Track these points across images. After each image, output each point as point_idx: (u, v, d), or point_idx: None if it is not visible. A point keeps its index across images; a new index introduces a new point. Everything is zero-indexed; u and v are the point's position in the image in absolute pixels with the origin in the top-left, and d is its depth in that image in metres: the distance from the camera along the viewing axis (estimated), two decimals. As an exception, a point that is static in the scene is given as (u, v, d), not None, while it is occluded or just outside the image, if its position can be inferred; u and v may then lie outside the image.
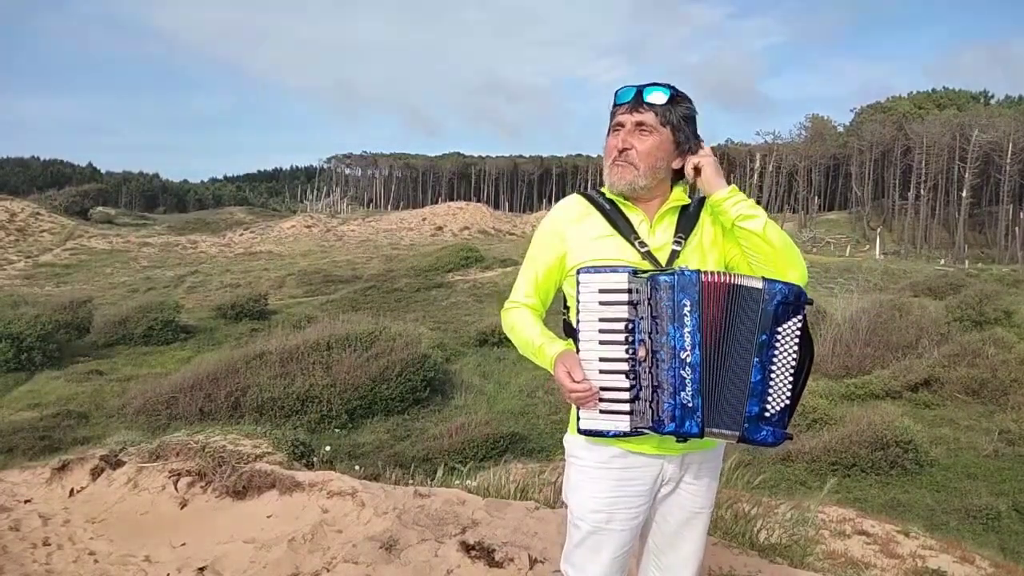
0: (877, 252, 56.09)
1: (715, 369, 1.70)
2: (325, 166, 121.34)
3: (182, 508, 4.10)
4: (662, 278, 1.69)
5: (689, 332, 1.68)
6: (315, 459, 5.07)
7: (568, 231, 1.89)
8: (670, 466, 1.87)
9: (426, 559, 3.12)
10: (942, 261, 51.50)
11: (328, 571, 3.15)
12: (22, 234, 47.32)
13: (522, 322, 1.94)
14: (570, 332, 1.84)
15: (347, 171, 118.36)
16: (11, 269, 40.06)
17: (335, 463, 5.13)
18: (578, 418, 1.80)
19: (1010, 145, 59.10)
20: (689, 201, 1.91)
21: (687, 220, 1.88)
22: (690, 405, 1.69)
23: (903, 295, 24.60)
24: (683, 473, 1.89)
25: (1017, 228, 59.76)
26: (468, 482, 4.29)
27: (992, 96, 78.97)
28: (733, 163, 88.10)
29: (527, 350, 1.93)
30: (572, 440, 1.92)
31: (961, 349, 16.17)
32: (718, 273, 1.72)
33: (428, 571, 3.05)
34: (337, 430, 13.87)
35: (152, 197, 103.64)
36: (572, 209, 1.92)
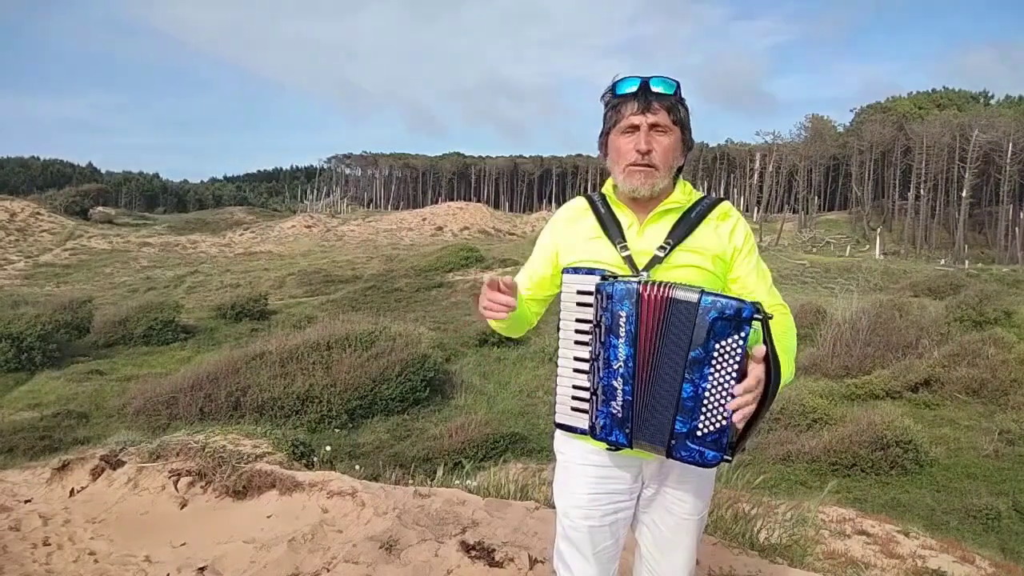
0: (877, 252, 56.07)
1: (647, 382, 1.67)
2: (325, 166, 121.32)
3: (182, 508, 4.10)
4: (606, 287, 1.68)
5: (624, 343, 1.66)
6: (315, 459, 5.07)
7: (563, 231, 1.93)
8: (648, 468, 1.88)
9: (426, 559, 3.12)
10: (942, 261, 51.50)
11: (328, 571, 3.14)
12: (22, 234, 47.32)
13: None
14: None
15: (347, 171, 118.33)
16: (11, 269, 40.06)
17: (335, 463, 5.13)
18: (555, 412, 1.85)
19: (1010, 145, 59.07)
20: (690, 203, 1.85)
21: (685, 226, 1.81)
22: (619, 416, 1.69)
23: (903, 295, 24.60)
24: (665, 477, 1.89)
25: (1017, 228, 59.75)
26: (468, 482, 4.29)
27: (992, 96, 78.95)
28: (733, 163, 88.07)
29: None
30: (558, 436, 1.96)
31: (961, 349, 16.16)
32: (662, 285, 1.65)
33: (428, 571, 3.05)
34: (337, 430, 13.86)
35: (152, 197, 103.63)
36: (571, 210, 1.97)
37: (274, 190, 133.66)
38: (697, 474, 1.90)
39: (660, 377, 1.66)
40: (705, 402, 1.63)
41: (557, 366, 1.84)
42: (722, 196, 2.11)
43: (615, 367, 1.68)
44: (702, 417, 1.64)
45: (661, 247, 1.79)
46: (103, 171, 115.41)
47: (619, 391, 1.68)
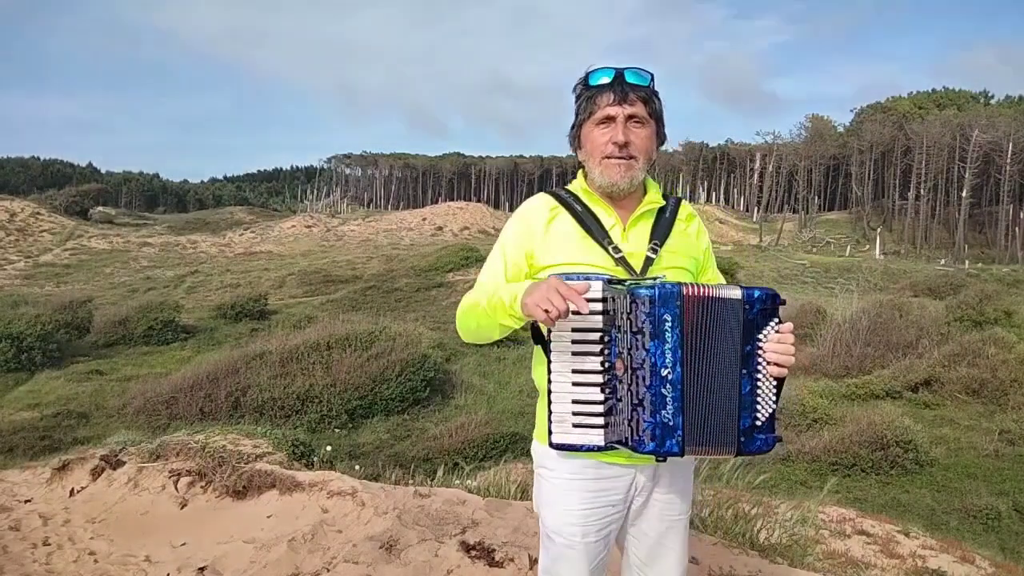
0: (877, 252, 56.10)
1: (698, 386, 1.60)
2: (325, 166, 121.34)
3: (182, 508, 4.10)
4: (642, 291, 1.56)
5: (670, 348, 1.57)
6: (315, 459, 5.07)
7: (536, 230, 1.77)
8: (642, 476, 1.80)
9: (426, 559, 3.12)
10: (942, 261, 51.53)
11: (328, 571, 3.14)
12: (22, 234, 47.35)
13: (477, 291, 1.77)
14: (539, 339, 1.75)
15: (347, 171, 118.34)
16: (11, 269, 40.09)
17: (335, 463, 5.12)
18: (550, 432, 1.71)
19: (1010, 145, 59.08)
20: (664, 203, 1.82)
21: (663, 226, 1.79)
22: (671, 424, 1.60)
23: (903, 295, 24.62)
24: (655, 483, 1.82)
25: (1017, 228, 59.75)
26: (468, 482, 4.29)
27: (992, 96, 78.98)
28: (733, 163, 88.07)
29: (487, 305, 1.69)
30: (541, 451, 1.81)
31: (961, 349, 16.17)
32: (697, 285, 1.60)
33: (428, 571, 3.05)
34: (337, 430, 13.87)
35: (152, 197, 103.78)
36: (541, 208, 1.81)
37: (274, 190, 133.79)
38: (684, 475, 1.87)
39: (716, 378, 1.61)
40: (759, 392, 1.65)
41: (549, 382, 1.69)
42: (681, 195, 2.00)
43: (664, 374, 1.58)
44: (758, 407, 1.65)
45: (651, 248, 1.75)
46: (103, 171, 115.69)
47: (668, 398, 1.59)
